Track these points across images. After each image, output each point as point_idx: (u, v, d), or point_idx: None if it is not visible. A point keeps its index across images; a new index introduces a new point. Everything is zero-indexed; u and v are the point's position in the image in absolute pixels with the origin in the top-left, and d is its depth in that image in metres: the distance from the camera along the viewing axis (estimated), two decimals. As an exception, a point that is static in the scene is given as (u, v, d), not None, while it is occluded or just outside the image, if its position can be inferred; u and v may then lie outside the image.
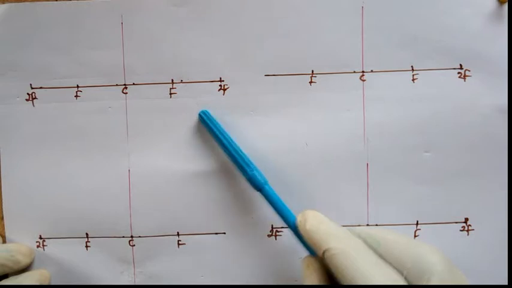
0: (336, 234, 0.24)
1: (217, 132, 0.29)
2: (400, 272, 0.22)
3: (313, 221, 0.25)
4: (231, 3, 0.30)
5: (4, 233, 0.31)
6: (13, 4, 0.30)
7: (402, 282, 0.21)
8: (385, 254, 0.23)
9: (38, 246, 0.31)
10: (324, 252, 0.23)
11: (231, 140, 0.29)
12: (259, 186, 0.28)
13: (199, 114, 0.30)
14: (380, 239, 0.23)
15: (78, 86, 0.31)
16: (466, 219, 0.31)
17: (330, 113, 0.30)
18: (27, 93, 0.31)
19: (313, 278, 0.24)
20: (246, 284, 0.31)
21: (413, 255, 0.22)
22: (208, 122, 0.29)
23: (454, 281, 0.21)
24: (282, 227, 0.31)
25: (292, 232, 0.27)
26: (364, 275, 0.21)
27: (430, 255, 0.22)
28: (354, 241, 0.23)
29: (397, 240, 0.23)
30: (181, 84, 0.30)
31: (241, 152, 0.29)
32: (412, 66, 0.30)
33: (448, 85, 0.30)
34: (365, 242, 0.23)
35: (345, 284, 0.22)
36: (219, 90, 0.30)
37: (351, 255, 0.22)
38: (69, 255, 0.31)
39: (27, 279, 0.30)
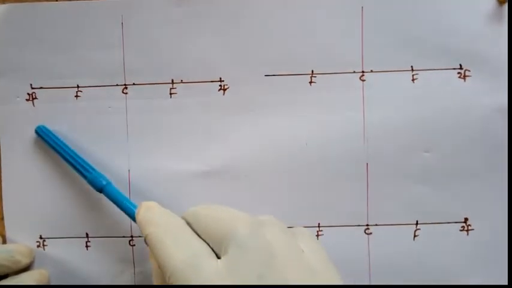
0: (156, 220, 0.24)
1: (55, 145, 0.30)
2: (210, 244, 0.22)
3: (143, 212, 0.25)
4: (231, 3, 0.30)
5: (4, 233, 0.31)
6: (13, 4, 0.30)
7: (205, 253, 0.22)
8: (199, 229, 0.23)
9: (38, 246, 0.31)
10: (145, 240, 0.24)
11: (69, 148, 0.30)
12: (99, 187, 0.28)
13: (36, 130, 0.30)
14: (196, 216, 0.24)
15: (78, 86, 0.31)
16: (466, 219, 0.31)
17: (330, 113, 0.30)
18: (28, 93, 0.31)
19: (154, 268, 0.24)
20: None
21: (217, 225, 0.23)
22: (45, 137, 0.30)
23: (254, 243, 0.21)
24: (282, 227, 0.31)
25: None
26: (166, 255, 0.22)
27: (230, 222, 0.22)
28: (171, 224, 0.24)
29: (208, 214, 0.24)
30: (181, 84, 0.30)
31: (79, 157, 0.29)
32: (412, 66, 0.30)
33: (448, 85, 0.30)
34: (187, 222, 0.24)
35: (161, 269, 0.22)
36: (219, 90, 0.30)
37: (161, 237, 0.23)
38: (70, 255, 0.31)
39: (26, 279, 0.30)
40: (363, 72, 0.30)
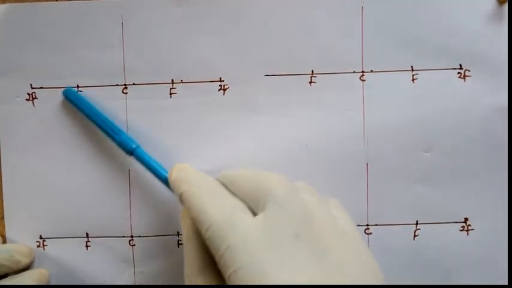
0: (191, 178, 0.24)
1: (84, 108, 0.30)
2: (246, 203, 0.23)
3: (176, 172, 0.25)
4: (231, 3, 0.30)
5: (4, 233, 0.31)
6: (13, 4, 0.30)
7: (241, 210, 0.22)
8: (234, 189, 0.24)
9: (38, 246, 0.31)
10: (179, 198, 0.24)
11: (98, 111, 0.30)
12: (130, 150, 0.29)
13: (64, 93, 0.30)
14: (231, 177, 0.24)
15: (78, 86, 0.31)
16: (466, 219, 0.31)
17: (330, 113, 0.30)
18: (28, 93, 0.31)
19: (185, 228, 0.24)
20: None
21: (253, 185, 0.23)
22: (74, 99, 0.30)
23: (291, 203, 0.22)
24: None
25: (169, 189, 0.27)
26: (204, 209, 0.22)
27: (267, 181, 0.23)
28: (205, 183, 0.24)
29: (243, 175, 0.24)
30: (181, 84, 0.30)
31: (108, 120, 0.29)
32: (411, 66, 0.30)
33: (448, 85, 0.30)
34: (222, 184, 0.24)
35: (196, 225, 0.22)
36: (219, 90, 0.30)
37: (197, 194, 0.23)
38: (70, 255, 0.31)
39: (26, 278, 0.30)
40: (362, 72, 0.30)
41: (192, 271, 0.23)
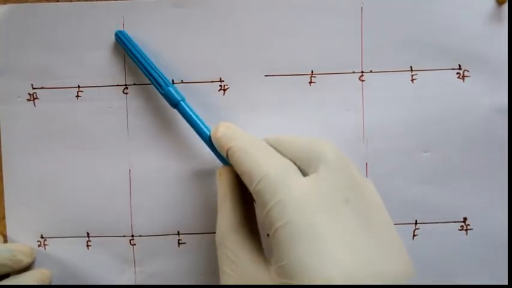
0: (239, 136, 0.25)
1: (134, 51, 0.29)
2: (296, 164, 0.23)
3: (223, 129, 0.25)
4: (231, 3, 0.30)
5: (5, 232, 0.31)
6: (15, 5, 0.30)
7: (293, 168, 0.22)
8: (284, 151, 0.24)
9: (39, 246, 0.31)
10: (227, 153, 0.24)
11: (147, 58, 0.29)
12: (174, 102, 0.28)
13: (116, 34, 0.30)
14: (280, 140, 0.25)
15: (79, 86, 0.31)
16: (465, 219, 0.31)
17: (329, 113, 0.30)
18: (29, 93, 0.31)
19: (223, 185, 0.25)
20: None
21: (305, 147, 0.23)
22: (125, 41, 0.30)
23: (342, 169, 0.22)
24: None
25: (208, 146, 0.28)
26: (255, 162, 0.22)
27: (320, 145, 0.23)
28: (254, 140, 0.24)
29: (294, 138, 0.25)
30: (181, 84, 0.31)
31: (157, 69, 0.29)
32: (411, 67, 0.30)
33: (447, 85, 0.30)
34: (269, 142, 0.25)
35: (241, 175, 0.23)
36: (219, 90, 0.31)
37: (248, 149, 0.23)
38: (70, 255, 0.31)
39: (28, 278, 0.30)
40: (362, 72, 0.30)
41: (225, 229, 0.23)
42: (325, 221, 0.20)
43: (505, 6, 0.30)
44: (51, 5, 0.30)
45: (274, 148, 0.24)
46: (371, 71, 0.30)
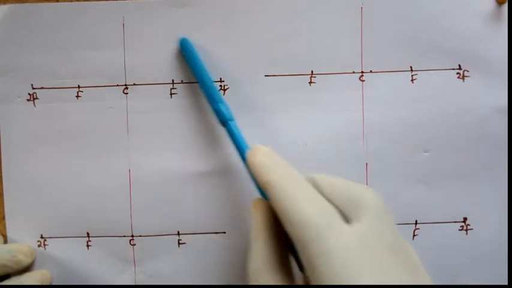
0: (278, 168, 0.23)
1: (195, 62, 0.29)
2: (336, 208, 0.22)
3: (261, 156, 0.24)
4: (231, 4, 0.30)
5: (5, 232, 0.31)
6: (15, 5, 0.30)
7: (337, 214, 0.21)
8: (323, 192, 0.23)
9: (39, 246, 0.31)
10: (264, 186, 0.23)
11: (206, 71, 0.29)
12: (223, 121, 0.28)
13: (181, 42, 0.30)
14: (320, 180, 0.23)
15: (79, 86, 0.31)
16: (465, 219, 0.31)
17: (329, 113, 0.30)
18: (29, 94, 0.31)
19: (258, 218, 0.24)
20: (246, 284, 0.31)
21: (348, 192, 0.22)
22: (188, 50, 0.29)
23: (385, 217, 0.22)
24: (282, 227, 0.31)
25: (246, 170, 0.26)
26: (298, 205, 0.21)
27: (362, 191, 0.22)
28: (294, 175, 0.23)
29: (334, 181, 0.23)
30: (181, 84, 0.31)
31: (212, 85, 0.29)
32: (411, 67, 0.30)
33: (447, 85, 0.30)
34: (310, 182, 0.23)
35: (279, 215, 0.22)
36: (219, 90, 0.31)
37: (290, 188, 0.22)
38: (70, 255, 0.31)
39: (28, 279, 0.30)
40: (362, 72, 0.30)
41: (257, 266, 0.22)
42: (373, 272, 0.19)
43: (505, 6, 0.30)
44: (51, 5, 0.30)
45: (316, 188, 0.23)
46: (371, 71, 0.30)
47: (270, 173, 0.23)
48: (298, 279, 0.23)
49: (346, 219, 0.22)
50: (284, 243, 0.23)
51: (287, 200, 0.21)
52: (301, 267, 0.23)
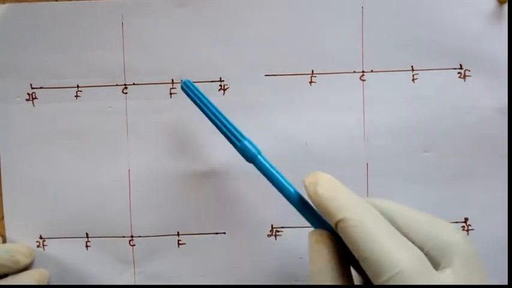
0: (352, 203, 0.20)
1: (204, 104, 0.27)
2: (421, 249, 0.20)
3: (327, 186, 0.21)
4: (231, 3, 0.30)
5: (4, 233, 0.31)
6: (14, 4, 0.30)
7: (426, 259, 0.19)
8: (403, 229, 0.21)
9: (38, 246, 0.31)
10: (337, 223, 0.20)
11: (219, 111, 0.27)
12: (251, 158, 0.26)
13: (183, 84, 0.27)
14: (396, 213, 0.21)
15: (78, 86, 0.31)
16: (466, 219, 0.31)
17: (330, 113, 0.30)
18: (28, 93, 0.31)
19: (324, 255, 0.21)
20: (246, 284, 0.31)
21: (434, 233, 0.20)
22: (194, 92, 0.27)
23: (477, 261, 0.20)
24: (282, 227, 0.31)
25: (291, 203, 0.24)
26: (384, 250, 0.19)
27: (453, 234, 0.20)
28: (371, 213, 0.20)
29: (410, 214, 0.21)
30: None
31: (230, 123, 0.26)
32: (412, 66, 0.30)
33: (448, 85, 0.30)
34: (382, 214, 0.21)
35: (362, 260, 0.19)
36: (219, 90, 0.30)
37: (369, 227, 0.19)
38: (70, 255, 0.31)
39: (26, 278, 0.30)
40: (363, 72, 0.30)
41: None
42: None
43: (506, 6, 0.30)
44: (50, 4, 0.30)
45: (391, 222, 0.21)
46: (372, 71, 0.30)
47: (342, 209, 0.20)
48: None
49: (433, 262, 0.20)
50: (350, 281, 0.21)
51: (368, 243, 0.19)
52: None
